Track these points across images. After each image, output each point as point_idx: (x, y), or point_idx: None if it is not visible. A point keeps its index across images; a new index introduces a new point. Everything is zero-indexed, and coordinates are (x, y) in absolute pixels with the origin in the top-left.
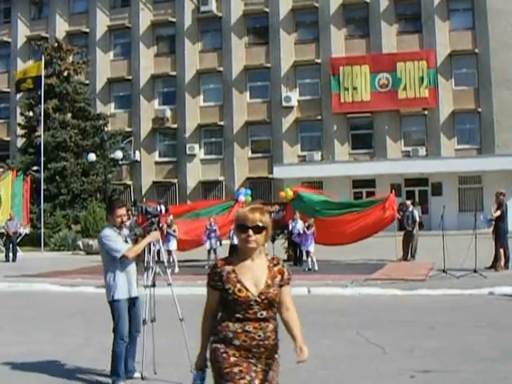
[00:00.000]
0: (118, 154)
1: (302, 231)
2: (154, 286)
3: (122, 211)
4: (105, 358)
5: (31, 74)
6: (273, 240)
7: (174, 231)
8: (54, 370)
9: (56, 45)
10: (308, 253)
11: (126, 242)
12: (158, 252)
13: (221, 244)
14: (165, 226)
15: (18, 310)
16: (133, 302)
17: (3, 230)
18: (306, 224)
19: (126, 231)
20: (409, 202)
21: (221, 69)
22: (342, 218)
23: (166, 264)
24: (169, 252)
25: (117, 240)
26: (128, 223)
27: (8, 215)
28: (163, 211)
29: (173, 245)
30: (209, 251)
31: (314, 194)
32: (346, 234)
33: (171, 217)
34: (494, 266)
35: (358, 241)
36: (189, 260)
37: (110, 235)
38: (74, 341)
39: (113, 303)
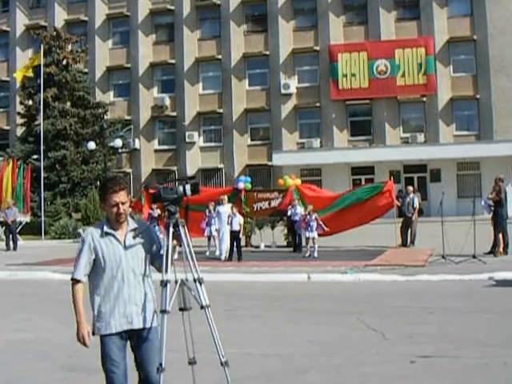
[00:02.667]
0: (118, 142)
1: (300, 217)
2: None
3: (118, 197)
4: None
5: (31, 65)
6: (272, 227)
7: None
8: (55, 357)
9: (55, 33)
10: (309, 239)
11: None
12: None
13: None
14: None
15: (20, 297)
16: (139, 335)
17: (2, 219)
18: (307, 211)
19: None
20: (411, 188)
21: (219, 57)
22: (341, 210)
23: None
24: None
25: (85, 249)
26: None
27: (6, 204)
28: (189, 193)
29: None
30: (208, 238)
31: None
32: (344, 221)
33: None
34: (493, 251)
35: (356, 227)
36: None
37: (84, 238)
38: (74, 328)
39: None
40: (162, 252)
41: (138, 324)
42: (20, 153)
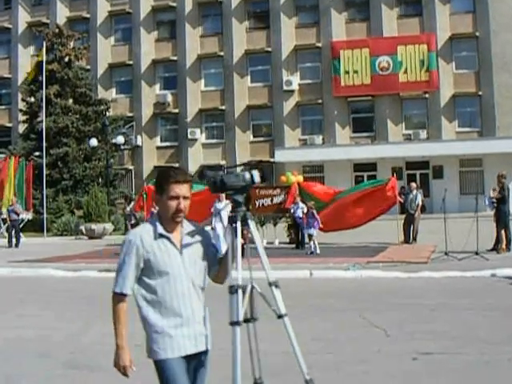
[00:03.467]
0: (120, 139)
1: (302, 214)
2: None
3: (180, 189)
4: (106, 341)
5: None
6: (274, 223)
7: None
8: (57, 355)
9: (57, 31)
10: (310, 236)
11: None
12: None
13: None
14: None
15: (22, 294)
16: (197, 358)
17: (5, 216)
18: (307, 207)
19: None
20: (414, 185)
21: (221, 53)
22: (343, 201)
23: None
24: None
25: (132, 255)
26: (128, 208)
27: (9, 201)
28: (257, 181)
29: None
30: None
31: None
32: (347, 219)
33: None
34: (496, 248)
35: (359, 226)
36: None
37: (131, 242)
38: (77, 325)
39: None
40: (218, 257)
41: (202, 346)
42: (22, 150)
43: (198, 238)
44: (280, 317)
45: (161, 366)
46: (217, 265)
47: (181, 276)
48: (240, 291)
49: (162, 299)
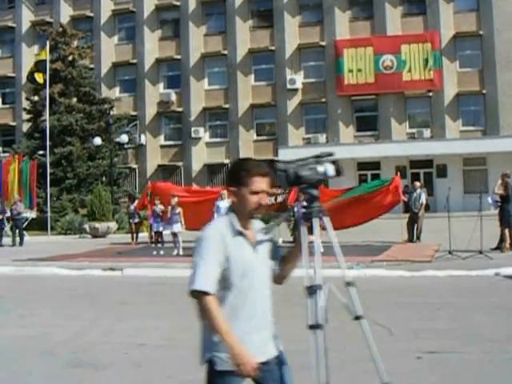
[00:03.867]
0: (124, 138)
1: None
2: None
3: (263, 183)
4: (109, 340)
5: (40, 61)
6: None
7: (179, 214)
8: (60, 353)
9: (60, 29)
10: None
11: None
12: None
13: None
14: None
15: (25, 293)
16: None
17: (9, 215)
18: None
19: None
20: (418, 184)
21: (225, 52)
22: (346, 201)
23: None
24: (174, 234)
25: (213, 251)
26: (132, 207)
27: (12, 200)
28: (332, 174)
29: (178, 227)
30: None
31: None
32: (350, 217)
33: (176, 199)
34: (500, 247)
35: (362, 223)
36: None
37: (211, 237)
38: (80, 324)
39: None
40: (281, 256)
41: (272, 352)
42: (26, 149)
43: (265, 235)
44: (357, 318)
45: (221, 378)
46: (280, 264)
47: (257, 276)
48: (319, 292)
49: (232, 302)
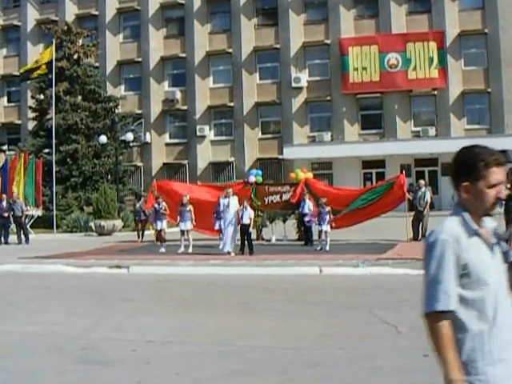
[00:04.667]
0: (129, 136)
1: (309, 211)
2: None
3: (502, 173)
4: (118, 336)
5: (44, 61)
6: (284, 220)
7: (190, 211)
8: (69, 350)
9: (66, 28)
10: (322, 232)
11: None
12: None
13: None
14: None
15: (32, 290)
16: None
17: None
18: (320, 204)
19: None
20: (423, 182)
21: (230, 50)
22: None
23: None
24: (182, 232)
25: (449, 261)
26: (138, 205)
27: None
28: None
29: (188, 224)
30: (220, 231)
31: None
32: (355, 215)
33: (188, 196)
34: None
35: (367, 220)
36: (201, 239)
37: (446, 243)
38: (88, 321)
39: None
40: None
41: None
42: (32, 147)
43: (504, 236)
44: None
45: None
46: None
47: (500, 285)
48: None
49: (477, 317)
